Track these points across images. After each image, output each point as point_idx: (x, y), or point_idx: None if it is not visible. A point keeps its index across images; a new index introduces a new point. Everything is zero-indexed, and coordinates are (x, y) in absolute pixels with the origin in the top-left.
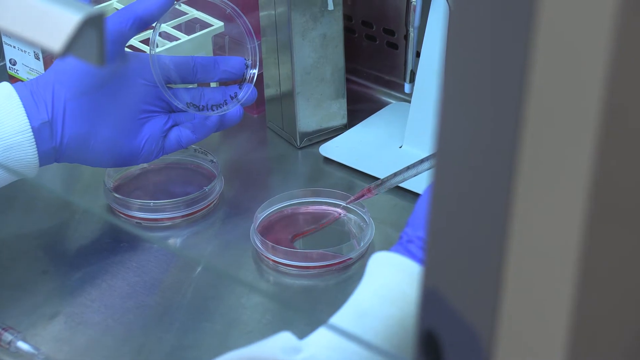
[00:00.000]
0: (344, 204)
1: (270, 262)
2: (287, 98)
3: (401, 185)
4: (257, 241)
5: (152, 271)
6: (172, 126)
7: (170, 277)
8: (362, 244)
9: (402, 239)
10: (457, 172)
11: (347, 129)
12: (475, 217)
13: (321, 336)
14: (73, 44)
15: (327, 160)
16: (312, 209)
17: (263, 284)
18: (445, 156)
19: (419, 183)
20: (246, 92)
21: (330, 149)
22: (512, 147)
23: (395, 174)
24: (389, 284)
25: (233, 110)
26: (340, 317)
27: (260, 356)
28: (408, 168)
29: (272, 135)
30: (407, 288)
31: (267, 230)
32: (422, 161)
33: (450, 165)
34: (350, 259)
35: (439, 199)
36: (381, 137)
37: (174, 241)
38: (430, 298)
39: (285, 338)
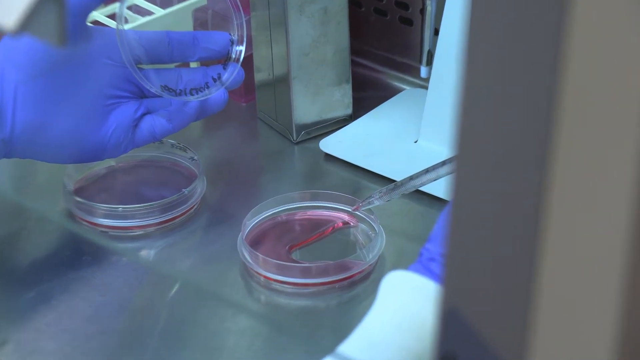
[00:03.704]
0: (350, 210)
1: (262, 278)
2: (282, 84)
3: (419, 189)
4: (245, 253)
5: (120, 290)
6: (144, 114)
7: (142, 296)
8: (370, 257)
9: (423, 256)
10: (481, 176)
11: (352, 121)
12: (502, 228)
13: None
14: (29, 21)
15: (329, 158)
16: (310, 215)
17: (253, 304)
18: (467, 156)
19: (439, 185)
20: (231, 73)
21: (333, 144)
22: (546, 143)
23: (411, 178)
24: (406, 310)
25: (216, 94)
26: (348, 347)
27: None
28: (427, 171)
29: (263, 128)
30: (428, 315)
31: (258, 240)
32: (444, 163)
33: (473, 167)
34: (356, 274)
35: (460, 206)
36: (393, 130)
37: (147, 253)
38: (450, 321)
39: None
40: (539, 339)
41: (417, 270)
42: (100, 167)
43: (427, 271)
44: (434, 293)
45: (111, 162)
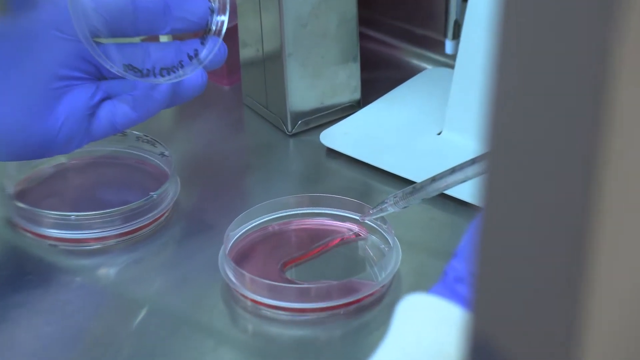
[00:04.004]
0: (358, 219)
1: (249, 303)
2: (273, 62)
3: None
4: (228, 272)
5: (72, 318)
6: (103, 100)
7: (100, 326)
8: (383, 276)
9: (447, 275)
10: (519, 177)
11: (361, 108)
12: (544, 242)
13: None
14: None
15: (332, 153)
16: (309, 224)
17: (238, 335)
18: (502, 153)
19: (468, 188)
20: (211, 50)
21: (336, 137)
22: (599, 137)
23: (433, 179)
24: (427, 342)
25: (192, 76)
26: None
27: None
28: (453, 171)
29: (250, 116)
30: (452, 348)
31: (244, 255)
32: (473, 161)
33: (509, 167)
34: (365, 297)
35: (492, 215)
36: (410, 119)
37: (106, 272)
38: (481, 356)
39: None
40: None
41: (440, 293)
42: (47, 165)
43: (452, 294)
44: (461, 321)
45: (61, 159)
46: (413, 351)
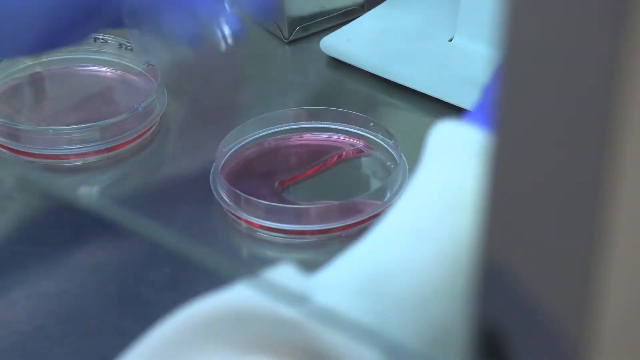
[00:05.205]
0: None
1: (243, 224)
2: None
3: (455, 103)
4: (221, 191)
5: (49, 242)
6: None
7: (81, 253)
8: (388, 196)
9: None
10: (537, 86)
11: (366, 11)
12: (565, 161)
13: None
14: None
15: (333, 62)
16: (308, 139)
17: (232, 259)
18: (519, 57)
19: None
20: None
21: (339, 44)
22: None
23: None
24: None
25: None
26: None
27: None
28: None
29: (243, 22)
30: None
31: (238, 174)
32: None
33: (526, 75)
34: (369, 219)
35: (507, 114)
36: (420, 24)
37: (87, 192)
38: (494, 285)
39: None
40: (607, 308)
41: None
42: (22, 74)
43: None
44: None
45: (37, 68)
46: (441, 190)
